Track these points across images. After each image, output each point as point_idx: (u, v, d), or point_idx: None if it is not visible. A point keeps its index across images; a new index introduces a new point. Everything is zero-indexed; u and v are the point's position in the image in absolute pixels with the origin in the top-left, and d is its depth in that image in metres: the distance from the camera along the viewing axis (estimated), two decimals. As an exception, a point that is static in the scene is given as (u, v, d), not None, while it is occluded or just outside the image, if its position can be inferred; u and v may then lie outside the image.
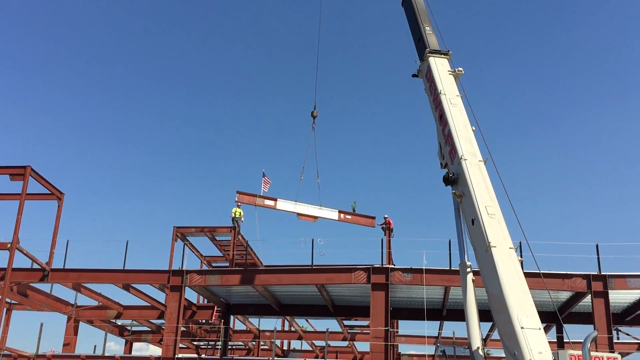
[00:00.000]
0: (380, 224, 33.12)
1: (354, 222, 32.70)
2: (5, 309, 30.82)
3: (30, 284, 31.40)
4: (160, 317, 34.44)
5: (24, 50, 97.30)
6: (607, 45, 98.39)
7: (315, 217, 31.68)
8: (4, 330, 31.11)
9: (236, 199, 32.42)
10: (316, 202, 31.86)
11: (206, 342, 41.01)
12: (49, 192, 30.92)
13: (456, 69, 20.89)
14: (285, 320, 42.00)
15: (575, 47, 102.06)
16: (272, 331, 38.06)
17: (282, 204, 31.60)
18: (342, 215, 32.21)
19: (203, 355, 36.81)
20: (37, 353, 29.26)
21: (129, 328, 40.57)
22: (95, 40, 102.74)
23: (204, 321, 37.28)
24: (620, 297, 28.31)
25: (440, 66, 21.00)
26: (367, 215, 32.81)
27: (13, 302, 33.46)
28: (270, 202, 31.64)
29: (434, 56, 21.33)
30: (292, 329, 42.17)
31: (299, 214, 31.65)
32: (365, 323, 38.79)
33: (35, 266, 29.67)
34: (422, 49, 21.86)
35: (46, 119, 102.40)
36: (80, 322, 35.70)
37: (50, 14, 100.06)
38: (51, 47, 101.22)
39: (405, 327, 40.08)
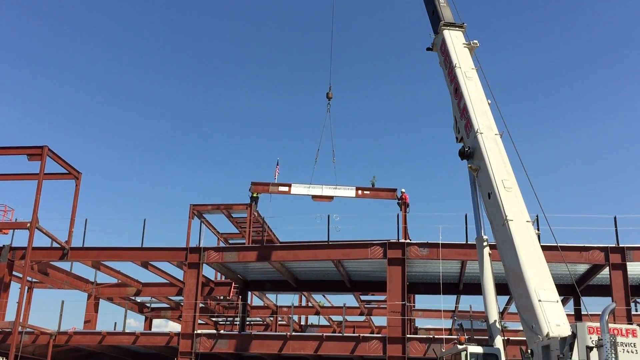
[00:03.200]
0: (398, 198, 33.00)
1: (374, 196, 32.66)
2: (26, 288, 31.30)
3: (51, 263, 31.86)
4: (179, 294, 34.84)
5: (42, 32, 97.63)
6: (625, 16, 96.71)
7: (331, 197, 31.76)
8: (25, 308, 31.65)
9: (250, 189, 32.70)
10: (332, 182, 31.89)
11: (224, 318, 41.47)
12: (67, 172, 31.17)
13: (471, 42, 20.65)
14: (302, 296, 42.30)
15: (591, 15, 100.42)
16: (289, 307, 38.36)
17: (296, 189, 31.76)
18: (359, 192, 32.20)
19: (222, 331, 37.21)
20: (59, 330, 29.74)
21: (148, 305, 41.11)
22: (113, 21, 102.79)
23: (222, 297, 37.67)
24: (638, 269, 28.15)
25: (455, 39, 20.77)
26: (387, 188, 32.75)
27: (34, 280, 34.00)
28: (285, 188, 31.86)
29: (448, 29, 21.09)
30: (310, 304, 42.47)
31: (313, 196, 31.75)
32: (382, 298, 38.98)
33: (55, 245, 30.07)
34: (436, 21, 21.61)
35: (63, 99, 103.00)
36: (100, 300, 36.23)
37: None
38: (69, 28, 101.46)
39: (422, 301, 40.24)
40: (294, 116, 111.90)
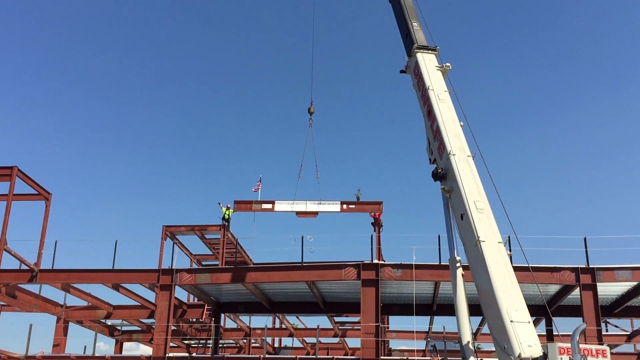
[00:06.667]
0: (372, 215, 32.90)
1: (359, 210, 32.54)
2: (-7, 311, 30.65)
3: (19, 285, 31.22)
4: (151, 316, 34.36)
5: (9, 48, 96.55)
6: (593, 38, 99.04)
7: (316, 213, 31.62)
8: (-8, 332, 30.95)
9: (234, 208, 32.57)
10: (316, 198, 31.80)
11: (197, 341, 40.95)
12: (37, 193, 30.74)
13: (444, 65, 20.89)
14: (276, 318, 42.03)
15: (560, 40, 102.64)
16: (263, 329, 38.07)
17: (280, 206, 31.60)
18: (345, 206, 32.06)
19: (194, 354, 36.74)
20: (26, 354, 29.11)
21: (119, 328, 40.45)
22: (83, 37, 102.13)
23: (194, 320, 37.22)
24: (608, 290, 28.54)
25: (428, 62, 20.99)
26: (372, 201, 32.65)
27: (2, 303, 33.28)
28: (268, 206, 31.72)
29: (421, 52, 21.31)
30: (283, 326, 42.19)
31: (298, 213, 31.62)
32: (356, 319, 38.87)
33: (24, 267, 29.51)
34: (409, 44, 21.85)
35: (33, 117, 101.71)
36: (69, 323, 35.56)
37: (36, 10, 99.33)
38: (37, 43, 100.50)
39: (396, 322, 40.22)
40: (274, 132, 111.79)
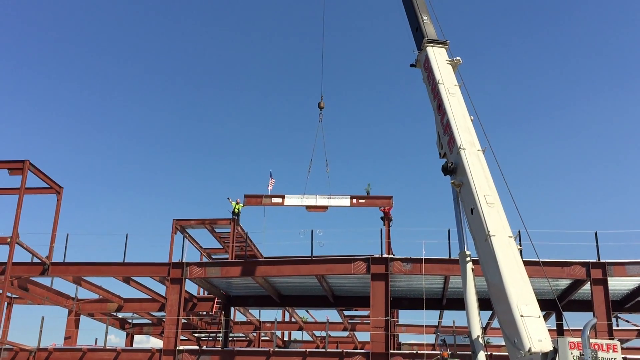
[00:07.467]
0: (382, 209, 32.86)
1: (369, 205, 32.47)
2: (6, 303, 30.86)
3: (31, 278, 31.48)
4: (161, 309, 34.55)
5: (22, 44, 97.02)
6: (603, 34, 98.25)
7: (325, 207, 31.61)
8: (5, 324, 31.16)
9: (244, 203, 32.63)
10: (326, 192, 31.81)
11: (207, 334, 41.14)
12: (48, 186, 30.91)
13: (454, 58, 20.81)
14: (286, 311, 42.11)
15: (572, 34, 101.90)
16: (272, 322, 38.17)
17: (290, 200, 31.61)
18: (354, 200, 32.00)
19: (204, 347, 36.89)
20: (38, 347, 29.33)
21: (129, 321, 40.70)
22: (95, 34, 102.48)
23: (204, 313, 37.40)
24: (619, 284, 28.39)
25: (438, 56, 20.92)
26: (382, 196, 32.59)
27: (14, 296, 33.53)
28: (278, 200, 31.74)
29: (432, 46, 21.23)
30: (293, 319, 42.28)
31: (308, 207, 31.64)
32: (365, 313, 38.92)
33: (36, 260, 29.72)
34: (420, 38, 21.77)
35: (45, 112, 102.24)
36: (81, 316, 35.81)
37: (49, 8, 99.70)
38: (49, 41, 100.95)
39: (406, 316, 40.22)
40: (284, 128, 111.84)
